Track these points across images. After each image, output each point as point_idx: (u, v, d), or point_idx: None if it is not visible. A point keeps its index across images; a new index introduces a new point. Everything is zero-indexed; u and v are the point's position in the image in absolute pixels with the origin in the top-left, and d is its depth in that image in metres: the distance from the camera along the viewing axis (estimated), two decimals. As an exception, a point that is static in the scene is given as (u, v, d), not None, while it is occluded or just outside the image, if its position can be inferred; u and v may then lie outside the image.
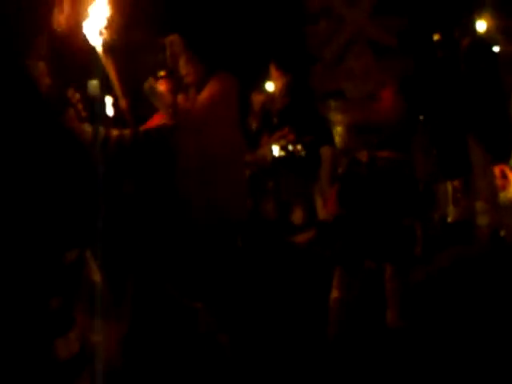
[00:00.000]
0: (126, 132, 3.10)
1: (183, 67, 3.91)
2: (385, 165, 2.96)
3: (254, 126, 6.13)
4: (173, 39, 3.09)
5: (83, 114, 2.26)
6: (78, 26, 3.81)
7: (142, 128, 4.69)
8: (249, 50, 6.01)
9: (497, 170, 4.43)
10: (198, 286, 3.26)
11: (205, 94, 3.81)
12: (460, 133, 4.06)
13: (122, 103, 4.14)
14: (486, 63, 4.24)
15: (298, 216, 5.56)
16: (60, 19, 1.75)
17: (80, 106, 2.25)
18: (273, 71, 5.59)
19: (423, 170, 3.71)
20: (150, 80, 3.93)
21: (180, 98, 3.89)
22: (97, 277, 2.72)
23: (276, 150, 5.12)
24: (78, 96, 2.24)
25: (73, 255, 1.65)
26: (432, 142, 4.00)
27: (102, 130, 2.82)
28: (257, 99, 6.08)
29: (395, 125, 2.75)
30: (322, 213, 5.16)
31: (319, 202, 5.21)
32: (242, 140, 4.05)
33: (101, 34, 3.98)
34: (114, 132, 2.90)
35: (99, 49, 3.96)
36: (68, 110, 1.87)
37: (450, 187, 4.55)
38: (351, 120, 2.73)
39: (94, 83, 3.86)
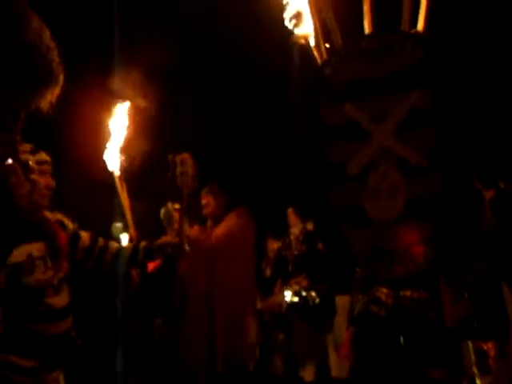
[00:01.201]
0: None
1: (204, 197, 3.92)
2: (408, 305, 2.69)
3: (267, 272, 5.95)
4: (184, 157, 3.08)
5: None
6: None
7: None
8: (267, 194, 6.06)
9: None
10: None
11: (222, 228, 3.75)
12: (494, 281, 3.55)
13: (132, 232, 4.14)
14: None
15: (309, 372, 5.09)
16: None
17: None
18: (291, 217, 5.55)
19: (452, 315, 3.27)
20: (168, 205, 3.93)
21: (196, 228, 3.83)
22: None
23: (289, 296, 4.86)
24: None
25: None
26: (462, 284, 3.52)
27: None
28: (272, 246, 5.98)
29: (423, 262, 2.52)
30: (335, 369, 4.72)
31: (333, 356, 4.78)
32: (254, 281, 3.87)
33: (119, 159, 4.14)
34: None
35: (116, 174, 4.08)
36: None
37: (471, 346, 3.98)
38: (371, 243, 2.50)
39: (117, 225, 3.89)
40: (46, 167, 2.40)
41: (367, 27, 2.74)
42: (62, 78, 1.52)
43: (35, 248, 2.22)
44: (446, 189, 2.21)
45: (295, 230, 5.58)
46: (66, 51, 1.55)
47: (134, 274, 4.68)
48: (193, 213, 4.18)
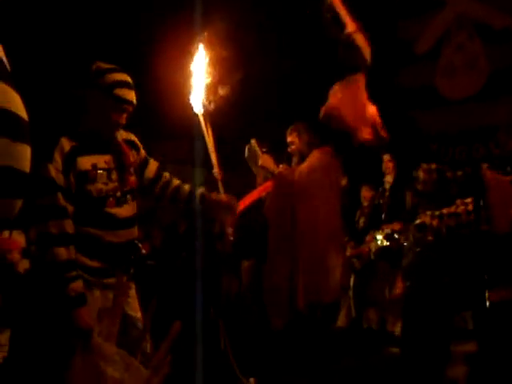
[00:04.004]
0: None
1: (289, 135, 3.83)
2: (454, 223, 2.35)
3: (361, 223, 5.71)
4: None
5: None
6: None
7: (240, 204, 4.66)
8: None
9: None
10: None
11: (305, 164, 3.63)
12: None
13: (216, 171, 4.11)
14: None
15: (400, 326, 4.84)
16: None
17: None
18: (387, 164, 5.25)
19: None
20: (253, 141, 3.85)
21: (281, 166, 3.73)
22: (136, 313, 2.44)
23: (380, 239, 4.61)
24: None
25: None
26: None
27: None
28: (366, 194, 5.72)
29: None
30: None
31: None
32: (339, 219, 3.68)
33: (204, 102, 4.10)
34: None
35: (201, 116, 4.05)
36: None
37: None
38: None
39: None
40: (127, 106, 2.39)
41: None
42: None
43: (103, 160, 2.35)
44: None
45: (390, 177, 5.30)
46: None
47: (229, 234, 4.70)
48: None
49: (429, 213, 2.56)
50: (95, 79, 2.32)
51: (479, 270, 2.20)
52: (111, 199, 2.37)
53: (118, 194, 2.39)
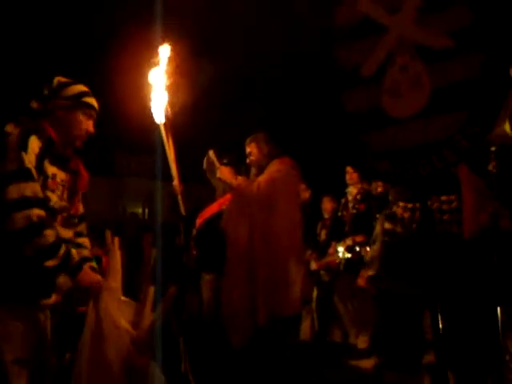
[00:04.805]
0: None
1: (247, 145, 3.78)
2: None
3: (323, 235, 5.68)
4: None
5: None
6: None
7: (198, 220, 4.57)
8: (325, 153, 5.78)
9: None
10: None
11: (264, 175, 3.57)
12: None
13: (176, 183, 4.01)
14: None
15: (362, 339, 4.81)
16: None
17: None
18: (351, 175, 5.23)
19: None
20: (210, 153, 3.78)
21: (239, 178, 3.65)
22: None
23: (341, 252, 4.57)
24: None
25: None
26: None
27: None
28: (327, 206, 5.70)
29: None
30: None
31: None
32: (298, 231, 3.61)
33: (165, 112, 4.01)
34: None
35: (162, 127, 3.96)
36: None
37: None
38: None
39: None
40: (94, 113, 2.46)
41: None
42: None
43: (60, 175, 2.29)
44: (481, 70, 1.88)
45: (353, 189, 5.29)
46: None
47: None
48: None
49: (401, 204, 2.51)
50: (61, 91, 2.37)
51: (440, 271, 2.14)
52: (60, 216, 2.28)
53: (65, 214, 2.31)
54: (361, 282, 4.30)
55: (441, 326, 2.12)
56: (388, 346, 2.58)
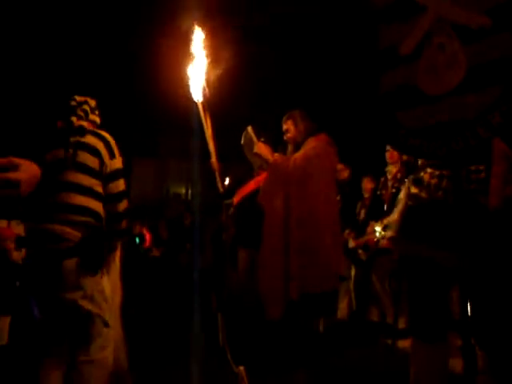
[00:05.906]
0: None
1: (284, 123, 3.79)
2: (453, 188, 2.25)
3: (362, 213, 5.65)
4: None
5: None
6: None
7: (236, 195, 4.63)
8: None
9: None
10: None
11: (301, 152, 3.58)
12: None
13: (214, 160, 4.08)
14: None
15: (402, 320, 4.78)
16: None
17: None
18: (391, 154, 5.17)
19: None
20: (249, 128, 3.80)
21: (276, 155, 3.68)
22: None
23: (378, 231, 4.54)
24: None
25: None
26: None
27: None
28: (367, 186, 5.66)
29: None
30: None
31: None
32: (334, 207, 3.62)
33: (203, 90, 4.06)
34: None
35: (199, 105, 4.02)
36: None
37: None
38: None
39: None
40: None
41: None
42: None
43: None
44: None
45: (392, 168, 5.22)
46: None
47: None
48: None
49: (429, 170, 2.48)
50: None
51: (462, 241, 2.12)
52: None
53: None
54: (384, 242, 4.27)
55: (469, 301, 2.11)
56: (411, 311, 2.58)
